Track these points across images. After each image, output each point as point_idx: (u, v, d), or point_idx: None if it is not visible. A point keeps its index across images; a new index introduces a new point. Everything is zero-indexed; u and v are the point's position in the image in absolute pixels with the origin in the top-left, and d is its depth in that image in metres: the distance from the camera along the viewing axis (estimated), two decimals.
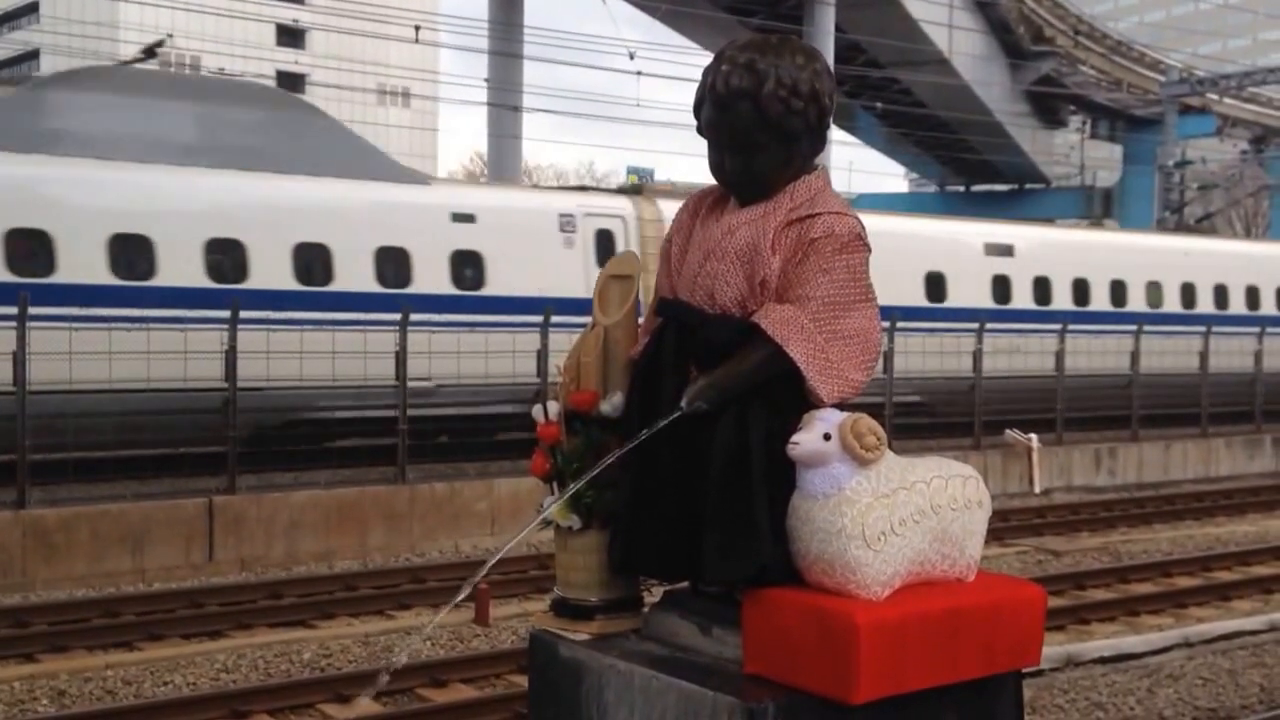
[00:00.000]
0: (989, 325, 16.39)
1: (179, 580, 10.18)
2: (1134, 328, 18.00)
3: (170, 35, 44.79)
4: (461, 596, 2.58)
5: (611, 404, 2.61)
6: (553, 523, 2.62)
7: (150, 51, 18.25)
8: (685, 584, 2.61)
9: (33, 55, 56.41)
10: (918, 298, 17.35)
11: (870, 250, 2.48)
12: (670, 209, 13.20)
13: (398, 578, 10.41)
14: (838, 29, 30.51)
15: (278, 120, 14.05)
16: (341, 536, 11.23)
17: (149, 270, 12.45)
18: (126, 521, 10.24)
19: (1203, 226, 32.55)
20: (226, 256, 12.87)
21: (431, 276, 13.88)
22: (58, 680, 7.49)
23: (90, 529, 10.08)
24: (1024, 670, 2.56)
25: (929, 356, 15.55)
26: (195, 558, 10.49)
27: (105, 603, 9.24)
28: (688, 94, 2.62)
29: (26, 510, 9.95)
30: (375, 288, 13.55)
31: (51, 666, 7.76)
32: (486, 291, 14.23)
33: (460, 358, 12.84)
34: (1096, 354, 17.74)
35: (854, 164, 53.15)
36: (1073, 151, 46.12)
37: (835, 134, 36.35)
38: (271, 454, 11.99)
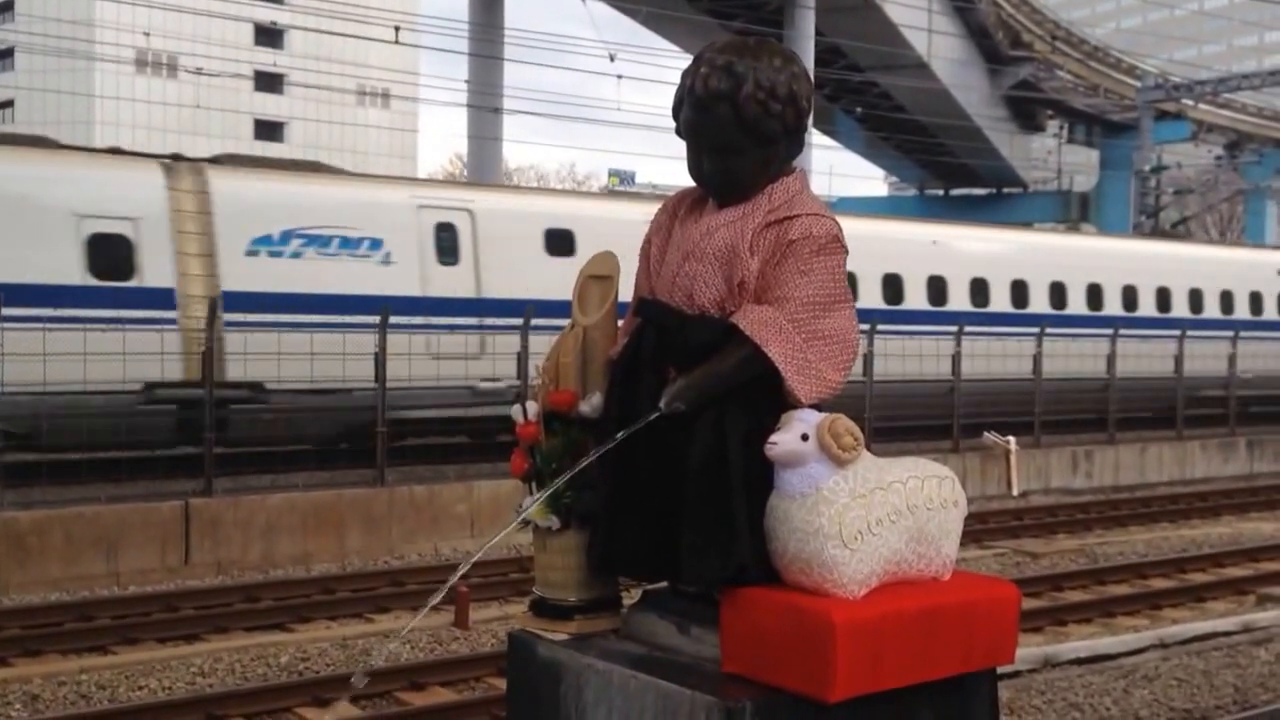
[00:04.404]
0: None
1: (154, 583, 10.10)
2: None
3: (147, 34, 44.57)
4: (438, 598, 2.58)
5: (590, 404, 2.61)
6: (531, 523, 2.62)
7: None
8: (664, 584, 2.62)
9: (7, 53, 55.96)
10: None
11: (848, 252, 2.49)
12: None
13: (376, 581, 10.37)
14: (818, 33, 30.64)
15: None
16: (319, 539, 11.18)
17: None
18: (101, 524, 10.15)
19: (1177, 231, 32.84)
20: None
21: None
22: (31, 684, 7.42)
23: (64, 532, 9.99)
24: (1000, 670, 2.58)
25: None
26: (171, 561, 10.41)
27: (79, 606, 9.16)
28: (668, 97, 2.63)
29: None
30: None
31: (25, 670, 7.69)
32: None
33: None
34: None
35: (834, 167, 53.47)
36: (1050, 156, 46.48)
37: (815, 137, 36.50)
38: (248, 456, 11.95)
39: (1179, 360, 18.80)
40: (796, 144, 2.54)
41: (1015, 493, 15.88)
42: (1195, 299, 21.19)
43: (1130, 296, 20.42)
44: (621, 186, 57.94)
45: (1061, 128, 45.33)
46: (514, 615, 2.96)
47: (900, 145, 42.61)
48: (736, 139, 2.46)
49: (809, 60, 28.02)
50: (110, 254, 12.32)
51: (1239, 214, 49.98)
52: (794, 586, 2.33)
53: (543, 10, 34.02)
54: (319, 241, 13.43)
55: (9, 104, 57.40)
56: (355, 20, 29.41)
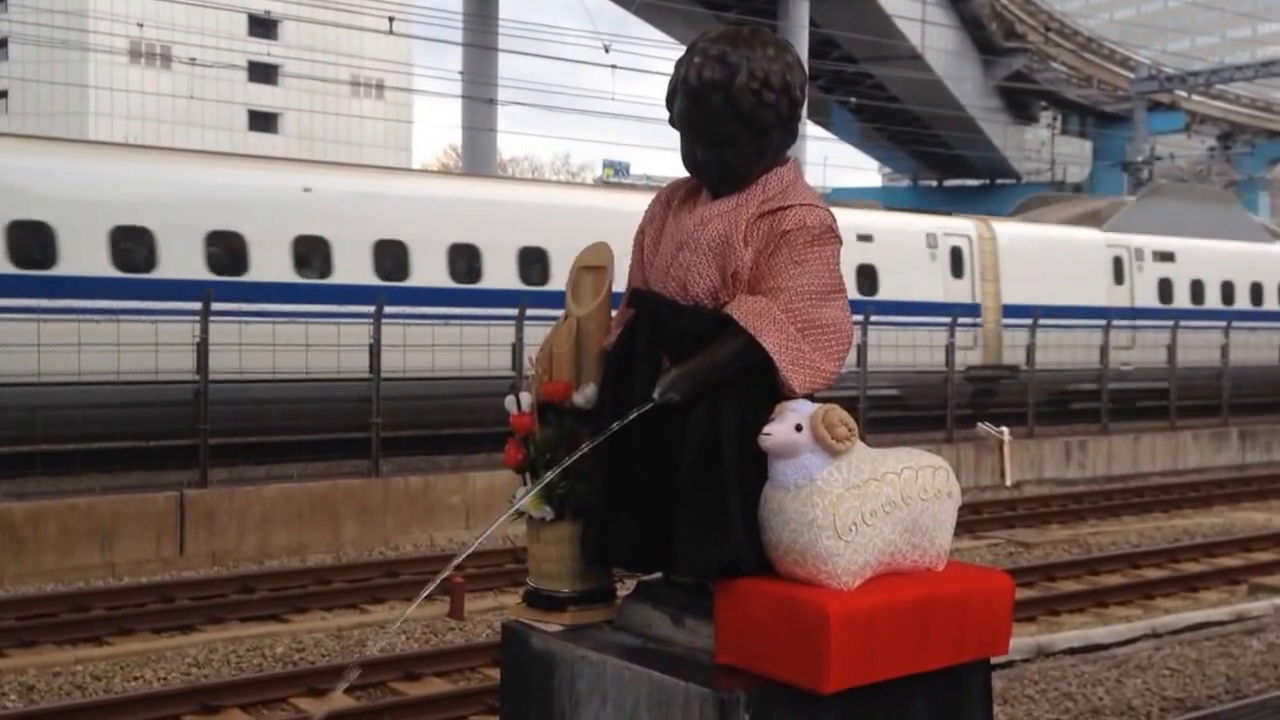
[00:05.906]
0: None
1: (149, 574, 10.10)
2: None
3: (141, 24, 44.36)
4: (431, 588, 2.57)
5: (584, 395, 2.61)
6: (525, 514, 2.62)
7: None
8: (658, 575, 2.62)
9: (1, 44, 55.67)
10: None
11: (841, 242, 2.49)
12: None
13: (371, 571, 10.38)
14: (812, 24, 30.64)
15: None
16: (314, 530, 11.18)
17: None
18: (96, 515, 10.15)
19: None
20: None
21: None
22: (26, 675, 7.42)
23: (59, 523, 9.99)
24: (993, 660, 2.58)
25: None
26: (166, 552, 10.41)
27: (74, 597, 9.16)
28: (662, 88, 2.61)
29: None
30: None
31: (19, 661, 7.69)
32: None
33: None
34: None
35: (828, 158, 53.47)
36: (1043, 147, 46.55)
37: (810, 129, 36.48)
38: (244, 447, 11.95)
39: (1172, 350, 18.86)
40: (790, 134, 2.53)
41: (1009, 483, 15.91)
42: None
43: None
44: (616, 178, 57.87)
45: (1055, 119, 45.40)
46: (509, 606, 2.97)
47: (894, 136, 42.64)
48: (730, 129, 2.45)
49: (803, 51, 28.02)
50: None
51: None
52: (788, 578, 2.33)
53: (536, 1, 33.94)
54: None
55: (3, 95, 57.14)
56: (349, 11, 29.30)
